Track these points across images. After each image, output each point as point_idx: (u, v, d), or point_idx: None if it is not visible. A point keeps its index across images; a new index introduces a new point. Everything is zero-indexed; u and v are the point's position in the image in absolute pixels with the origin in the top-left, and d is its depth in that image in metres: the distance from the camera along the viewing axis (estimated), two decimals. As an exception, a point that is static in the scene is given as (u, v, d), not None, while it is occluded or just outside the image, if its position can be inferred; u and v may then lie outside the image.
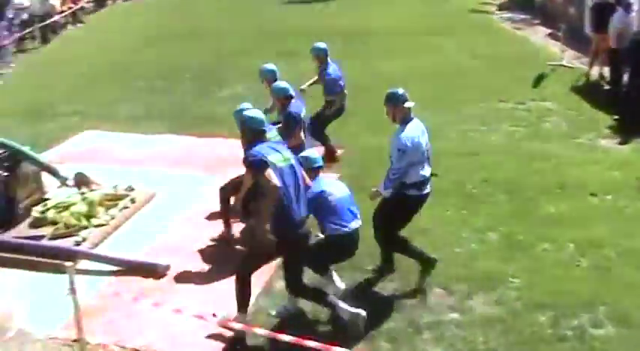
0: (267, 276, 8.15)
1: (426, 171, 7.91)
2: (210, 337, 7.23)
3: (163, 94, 16.75)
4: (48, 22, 25.45)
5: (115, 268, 8.71)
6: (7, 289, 8.46)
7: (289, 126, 10.08)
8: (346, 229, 7.57)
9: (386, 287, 8.00)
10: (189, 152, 12.76)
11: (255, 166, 6.81)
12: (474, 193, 10.43)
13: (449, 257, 8.55)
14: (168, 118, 13.38)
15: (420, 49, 19.87)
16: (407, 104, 7.78)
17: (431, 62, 18.32)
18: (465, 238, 9.08)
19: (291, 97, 10.29)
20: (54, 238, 9.34)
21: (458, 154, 11.71)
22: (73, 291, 6.74)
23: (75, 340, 7.11)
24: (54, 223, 9.62)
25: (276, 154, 6.99)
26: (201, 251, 9.13)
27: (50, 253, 8.84)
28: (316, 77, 12.36)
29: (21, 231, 9.64)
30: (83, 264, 8.61)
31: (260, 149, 6.95)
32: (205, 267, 8.76)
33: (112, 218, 9.84)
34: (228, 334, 7.13)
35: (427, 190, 7.97)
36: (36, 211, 9.90)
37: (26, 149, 10.20)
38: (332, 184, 7.89)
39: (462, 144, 12.32)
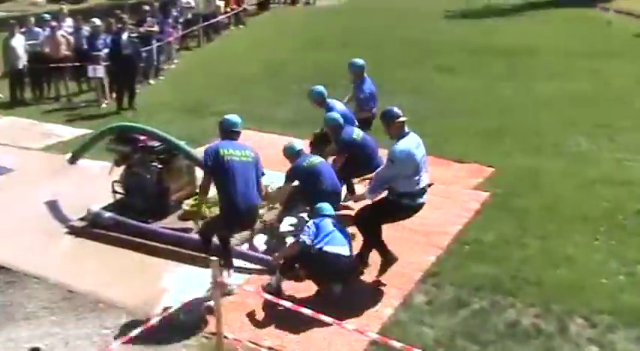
0: (406, 290, 8.17)
1: (422, 182, 8.17)
2: (346, 343, 7.26)
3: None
4: (211, 21, 26.22)
5: (258, 267, 8.90)
6: (154, 276, 8.80)
7: (342, 151, 10.12)
8: (334, 251, 7.88)
9: (527, 312, 7.83)
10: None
11: (204, 153, 8.25)
12: (625, 223, 10.05)
13: (594, 287, 8.30)
14: (320, 124, 13.48)
15: (579, 72, 19.37)
16: (400, 119, 8.15)
17: (590, 86, 17.84)
18: (612, 270, 8.75)
19: (342, 126, 10.22)
20: (201, 232, 9.60)
21: (611, 183, 11.34)
22: (216, 285, 6.93)
23: (213, 333, 7.32)
24: (203, 217, 9.89)
25: (236, 150, 8.15)
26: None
27: (197, 247, 9.08)
28: (352, 92, 12.25)
29: (170, 222, 9.99)
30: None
31: (221, 144, 8.24)
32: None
33: (260, 217, 10.01)
34: (365, 341, 7.15)
35: (421, 200, 8.28)
36: (186, 205, 10.20)
37: (182, 144, 10.54)
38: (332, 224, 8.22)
39: (616, 172, 11.90)
